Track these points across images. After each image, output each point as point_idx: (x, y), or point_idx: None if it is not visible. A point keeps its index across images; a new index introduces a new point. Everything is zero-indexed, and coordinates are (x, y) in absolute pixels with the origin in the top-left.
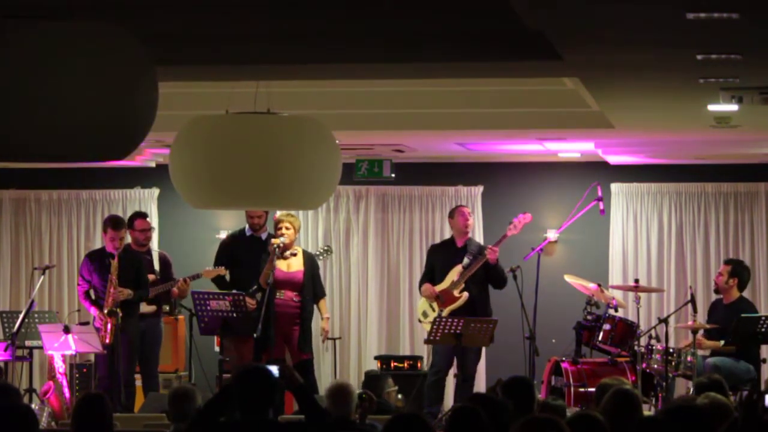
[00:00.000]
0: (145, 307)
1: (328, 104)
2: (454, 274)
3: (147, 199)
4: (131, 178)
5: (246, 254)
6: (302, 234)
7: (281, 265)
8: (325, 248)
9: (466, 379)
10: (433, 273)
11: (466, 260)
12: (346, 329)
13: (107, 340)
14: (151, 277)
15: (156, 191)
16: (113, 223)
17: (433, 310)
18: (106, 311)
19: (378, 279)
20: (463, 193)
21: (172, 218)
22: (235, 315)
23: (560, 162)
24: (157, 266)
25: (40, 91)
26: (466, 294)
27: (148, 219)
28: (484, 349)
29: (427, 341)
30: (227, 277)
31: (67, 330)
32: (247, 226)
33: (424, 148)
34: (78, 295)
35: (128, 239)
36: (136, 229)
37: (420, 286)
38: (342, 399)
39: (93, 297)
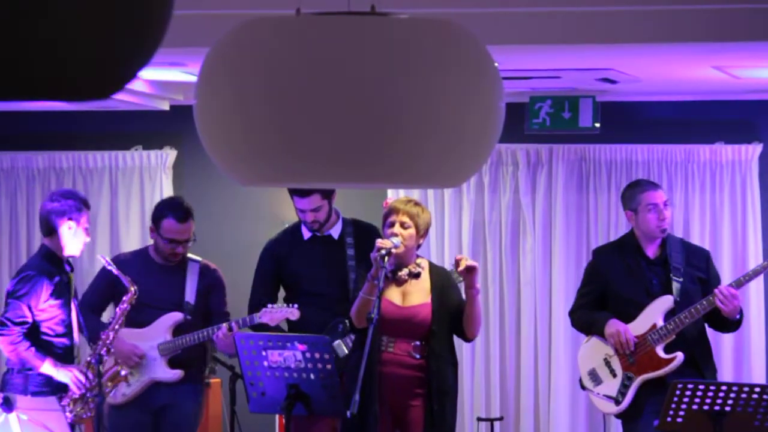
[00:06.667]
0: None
1: None
2: (656, 314)
3: (155, 168)
4: (127, 133)
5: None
6: (431, 234)
7: (392, 293)
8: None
9: None
10: (602, 302)
11: (676, 284)
12: (511, 399)
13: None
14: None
15: (171, 155)
16: (84, 203)
17: (612, 373)
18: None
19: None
20: (727, 155)
21: (199, 201)
22: (312, 377)
23: None
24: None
25: None
26: (680, 356)
27: (192, 221)
28: None
29: (659, 427)
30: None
31: (8, 404)
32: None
33: (651, 77)
34: (12, 346)
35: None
36: (163, 235)
37: (589, 321)
38: None
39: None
